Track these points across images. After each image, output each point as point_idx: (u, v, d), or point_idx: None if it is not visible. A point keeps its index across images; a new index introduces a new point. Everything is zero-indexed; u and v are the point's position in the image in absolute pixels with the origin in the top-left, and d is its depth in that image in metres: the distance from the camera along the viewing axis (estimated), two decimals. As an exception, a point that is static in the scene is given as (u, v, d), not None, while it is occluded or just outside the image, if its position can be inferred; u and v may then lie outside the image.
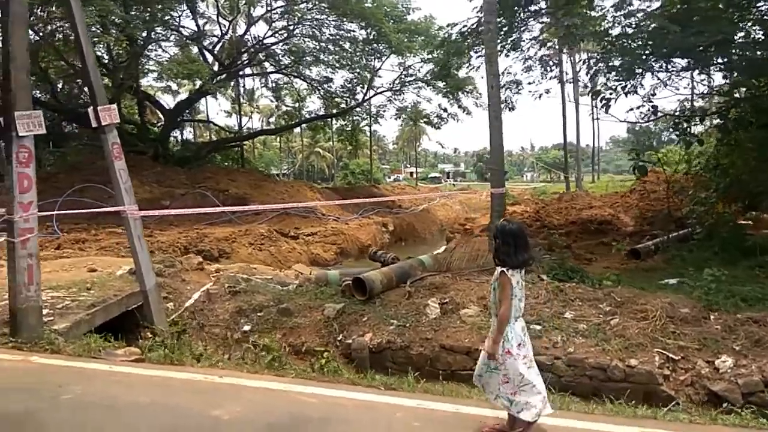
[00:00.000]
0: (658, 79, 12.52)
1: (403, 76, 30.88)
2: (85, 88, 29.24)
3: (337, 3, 25.68)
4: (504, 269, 3.45)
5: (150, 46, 27.15)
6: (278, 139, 69.99)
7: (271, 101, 70.07)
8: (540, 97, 16.08)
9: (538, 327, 6.57)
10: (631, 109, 12.91)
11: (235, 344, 7.58)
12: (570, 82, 37.42)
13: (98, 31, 23.95)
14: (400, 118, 35.71)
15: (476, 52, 15.56)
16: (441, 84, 30.37)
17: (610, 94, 12.17)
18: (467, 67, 16.50)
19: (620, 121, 17.41)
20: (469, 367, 6.44)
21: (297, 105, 37.94)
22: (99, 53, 26.48)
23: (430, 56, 28.83)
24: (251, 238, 19.70)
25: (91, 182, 21.97)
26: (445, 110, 32.05)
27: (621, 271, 11.55)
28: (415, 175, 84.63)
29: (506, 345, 3.45)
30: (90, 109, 6.75)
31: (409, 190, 41.72)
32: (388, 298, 7.84)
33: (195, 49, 31.01)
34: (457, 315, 7.05)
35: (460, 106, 31.19)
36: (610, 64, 11.40)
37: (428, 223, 31.91)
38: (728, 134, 12.62)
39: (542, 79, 14.48)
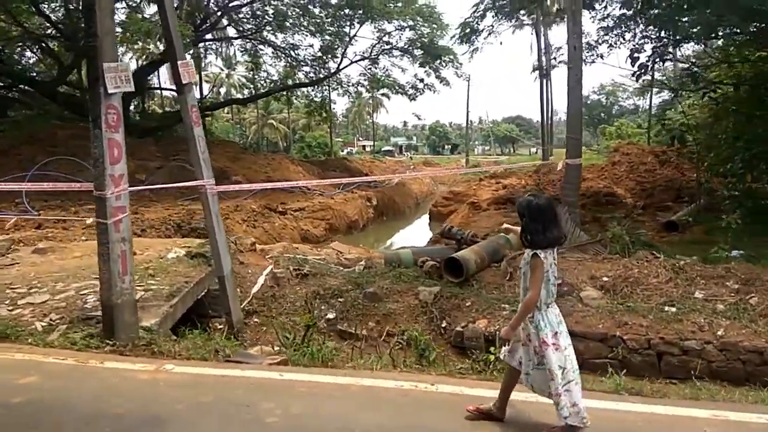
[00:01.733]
0: (704, 45, 12.16)
1: (382, 44, 29.70)
2: (38, 48, 26.93)
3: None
4: (536, 251, 3.01)
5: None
6: (228, 110, 67.26)
7: (221, 70, 66.90)
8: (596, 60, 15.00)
9: (673, 309, 6.11)
10: (683, 78, 12.44)
11: (321, 334, 6.79)
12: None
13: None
14: (373, 88, 34.44)
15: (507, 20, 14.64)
16: (418, 53, 29.53)
17: (648, 60, 11.78)
18: (486, 32, 15.69)
19: (671, 88, 16.84)
20: (604, 355, 5.95)
21: (260, 73, 36.01)
22: (55, 17, 24.21)
23: (412, 22, 27.99)
24: (244, 214, 18.63)
25: (55, 154, 20.19)
26: (422, 80, 31.16)
27: (666, 244, 11.38)
28: (370, 148, 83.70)
29: (540, 334, 3.05)
30: (168, 66, 5.71)
31: (379, 164, 40.92)
32: (485, 280, 7.20)
33: (148, 12, 28.87)
34: (575, 297, 6.49)
35: (437, 77, 30.36)
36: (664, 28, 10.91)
37: (405, 197, 31.37)
38: (760, 105, 12.45)
39: (621, 40, 13.03)
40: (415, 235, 24.00)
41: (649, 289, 6.45)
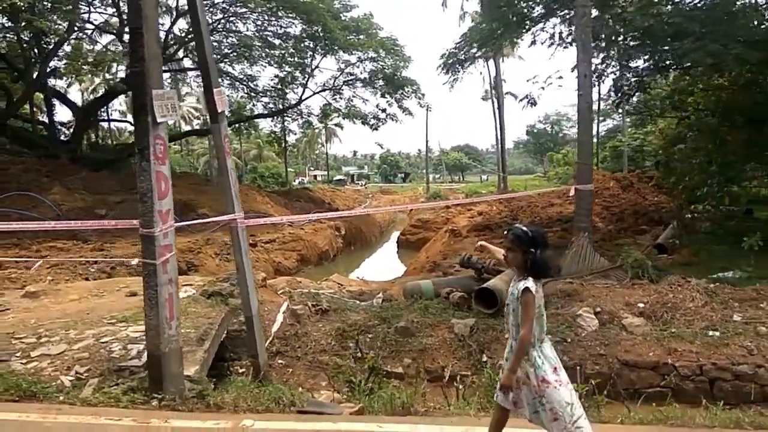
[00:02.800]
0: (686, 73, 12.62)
1: (345, 75, 29.77)
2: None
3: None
4: (529, 285, 2.85)
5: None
6: (177, 142, 65.76)
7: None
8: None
9: (717, 333, 6.09)
10: (663, 105, 12.79)
11: (357, 373, 6.41)
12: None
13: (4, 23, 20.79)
14: (332, 118, 34.09)
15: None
16: (381, 83, 29.73)
17: (628, 88, 12.11)
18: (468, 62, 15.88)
19: (649, 114, 17.21)
20: (656, 383, 5.84)
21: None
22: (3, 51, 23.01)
23: (374, 54, 28.19)
24: (216, 247, 17.93)
25: (8, 190, 19.09)
26: (384, 111, 31.28)
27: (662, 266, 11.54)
28: (321, 178, 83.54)
29: (539, 372, 2.87)
30: (202, 94, 5.32)
31: (339, 194, 40.61)
32: (518, 309, 7.00)
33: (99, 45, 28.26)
34: (617, 325, 6.38)
35: (400, 107, 30.56)
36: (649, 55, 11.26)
37: (371, 225, 31.16)
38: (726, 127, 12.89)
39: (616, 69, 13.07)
40: (384, 264, 23.78)
41: (688, 314, 6.43)
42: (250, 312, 6.00)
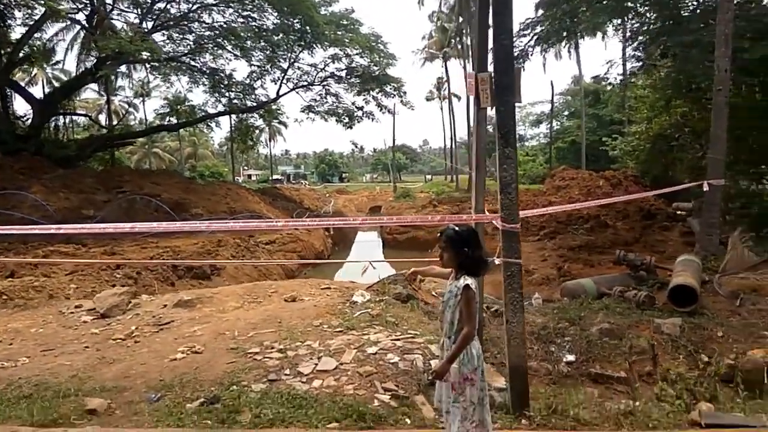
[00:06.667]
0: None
1: (322, 72, 29.00)
2: None
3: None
4: (469, 282, 2.93)
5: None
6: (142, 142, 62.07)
7: (101, 95, 61.96)
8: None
9: None
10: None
11: (562, 379, 6.08)
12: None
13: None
14: (319, 116, 32.68)
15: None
16: (358, 80, 29.19)
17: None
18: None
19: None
20: None
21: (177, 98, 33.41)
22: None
23: (357, 51, 27.59)
24: (232, 250, 16.86)
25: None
26: (360, 108, 30.74)
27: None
28: (255, 178, 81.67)
29: (463, 369, 2.94)
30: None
31: (301, 193, 39.49)
32: (710, 307, 6.93)
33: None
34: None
35: (378, 105, 30.17)
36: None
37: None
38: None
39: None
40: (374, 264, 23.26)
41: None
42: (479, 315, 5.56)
